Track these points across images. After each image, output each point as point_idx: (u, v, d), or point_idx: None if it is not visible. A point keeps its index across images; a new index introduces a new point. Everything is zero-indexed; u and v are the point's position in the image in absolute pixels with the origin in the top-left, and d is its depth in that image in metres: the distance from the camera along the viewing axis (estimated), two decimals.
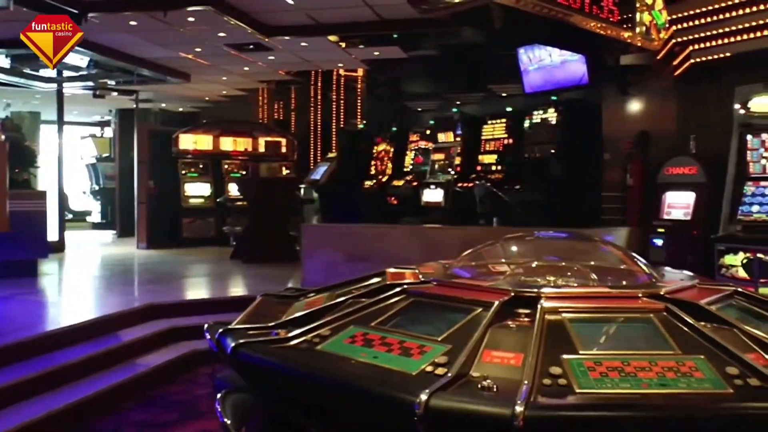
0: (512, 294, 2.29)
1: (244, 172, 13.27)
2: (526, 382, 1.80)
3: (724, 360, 1.99)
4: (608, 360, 1.96)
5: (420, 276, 2.75)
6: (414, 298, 2.50)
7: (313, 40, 9.97)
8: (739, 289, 2.77)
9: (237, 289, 8.76)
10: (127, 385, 5.27)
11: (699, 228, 7.06)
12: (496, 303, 2.22)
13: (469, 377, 1.89)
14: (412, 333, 2.21)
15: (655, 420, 1.75)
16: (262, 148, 14.01)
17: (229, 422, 2.18)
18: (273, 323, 2.55)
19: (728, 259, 6.56)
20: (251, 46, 10.24)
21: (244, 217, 11.63)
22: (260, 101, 15.89)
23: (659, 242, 7.33)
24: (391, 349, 2.13)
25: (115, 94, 13.71)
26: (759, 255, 5.53)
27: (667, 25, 6.28)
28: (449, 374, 1.87)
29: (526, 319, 2.18)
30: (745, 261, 5.77)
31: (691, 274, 3.04)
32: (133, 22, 8.78)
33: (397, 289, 2.57)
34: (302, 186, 13.32)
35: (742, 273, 6.10)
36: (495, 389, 1.80)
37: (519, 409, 1.65)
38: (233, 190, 12.90)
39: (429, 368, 1.95)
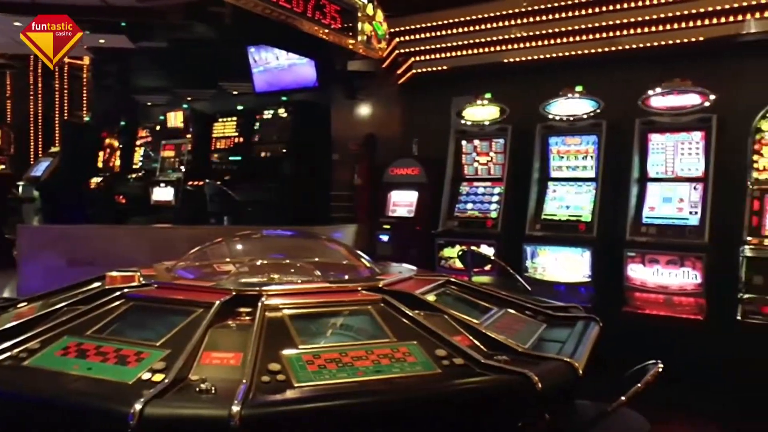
0: (234, 293, 2.28)
1: None
2: (244, 381, 1.79)
3: (434, 344, 2.15)
4: (327, 352, 2.03)
5: (141, 279, 2.64)
6: (133, 303, 2.38)
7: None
8: (452, 279, 3.01)
9: None
10: None
11: (421, 224, 7.52)
12: (217, 303, 2.19)
13: (187, 381, 1.84)
14: (129, 340, 2.11)
15: (369, 405, 1.84)
16: None
17: None
18: None
19: (447, 251, 7.10)
20: None
21: None
22: None
23: (385, 238, 7.71)
24: (106, 358, 2.01)
25: None
26: (472, 247, 6.02)
27: (388, 36, 6.64)
28: (166, 380, 1.81)
29: (247, 318, 2.17)
30: (460, 253, 6.25)
31: (411, 266, 3.24)
32: None
33: (116, 294, 2.44)
34: (21, 183, 12.23)
35: (458, 264, 6.60)
36: (213, 391, 1.77)
37: (235, 408, 1.64)
38: None
39: (146, 375, 1.87)
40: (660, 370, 2.46)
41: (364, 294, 2.45)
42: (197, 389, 1.78)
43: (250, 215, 8.92)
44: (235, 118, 10.50)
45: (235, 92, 11.11)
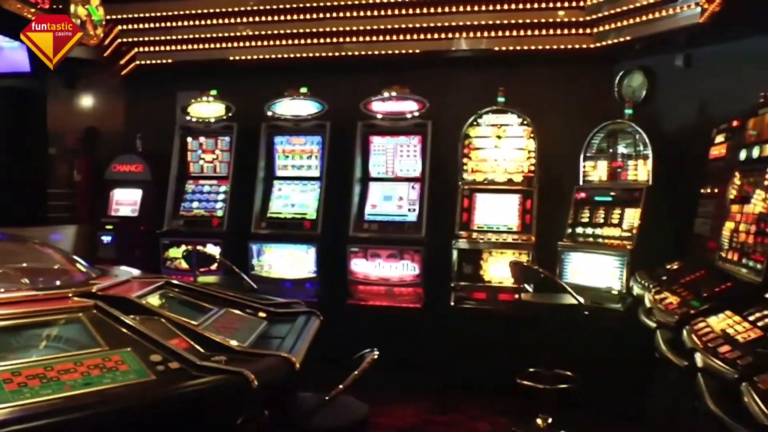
0: None
1: None
2: None
3: (149, 349, 2.11)
4: (29, 368, 1.89)
5: None
6: None
7: None
8: (172, 280, 2.97)
9: None
10: None
11: (146, 224, 7.25)
12: None
13: None
14: None
15: (76, 421, 1.73)
16: None
17: None
18: None
19: (172, 252, 6.92)
20: None
21: None
22: None
23: (108, 239, 7.31)
24: None
25: None
26: (198, 247, 5.96)
27: (104, 23, 6.28)
28: None
29: None
30: (185, 253, 6.16)
31: (131, 269, 3.13)
32: None
33: None
34: None
35: (184, 264, 6.49)
36: None
37: None
38: None
39: None
40: (376, 357, 2.63)
41: (75, 301, 2.33)
42: None
43: None
44: None
45: None
